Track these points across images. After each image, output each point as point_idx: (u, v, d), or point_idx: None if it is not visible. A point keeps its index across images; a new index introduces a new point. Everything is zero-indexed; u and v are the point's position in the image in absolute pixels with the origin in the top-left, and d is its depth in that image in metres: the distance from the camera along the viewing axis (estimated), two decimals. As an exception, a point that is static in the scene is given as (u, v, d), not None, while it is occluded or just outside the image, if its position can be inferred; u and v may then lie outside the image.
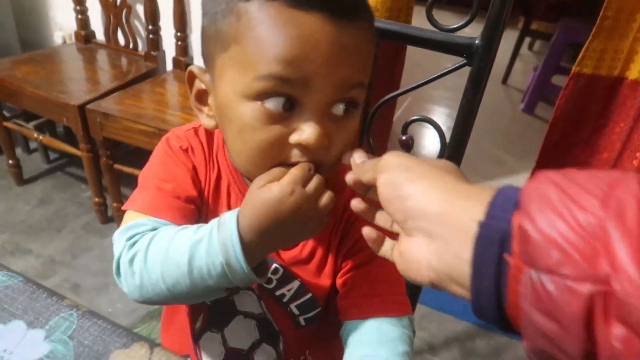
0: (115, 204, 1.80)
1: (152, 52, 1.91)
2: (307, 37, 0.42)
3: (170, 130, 0.62)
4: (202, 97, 0.54)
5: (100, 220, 1.87)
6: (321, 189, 0.47)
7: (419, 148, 2.39)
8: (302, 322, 0.62)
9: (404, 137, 0.89)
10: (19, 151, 2.07)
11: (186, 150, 0.59)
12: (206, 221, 0.51)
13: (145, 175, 0.58)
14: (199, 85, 0.53)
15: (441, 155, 0.86)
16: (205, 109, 0.54)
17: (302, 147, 0.46)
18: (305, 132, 0.45)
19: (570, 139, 1.60)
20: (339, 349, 0.57)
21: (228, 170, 0.58)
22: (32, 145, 2.22)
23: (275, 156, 0.47)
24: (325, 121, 0.46)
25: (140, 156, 2.16)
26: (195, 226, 0.49)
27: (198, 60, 1.92)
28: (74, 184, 2.04)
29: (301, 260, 0.59)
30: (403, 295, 0.58)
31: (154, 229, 0.50)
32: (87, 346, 0.42)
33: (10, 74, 1.75)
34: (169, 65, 1.95)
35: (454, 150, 0.84)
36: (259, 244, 0.45)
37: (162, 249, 0.47)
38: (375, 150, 0.93)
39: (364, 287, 0.57)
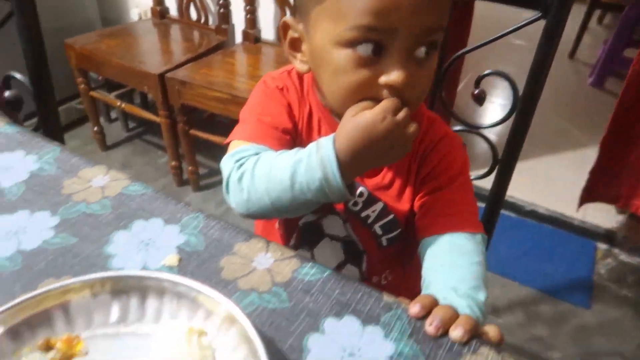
0: (190, 168, 1.92)
1: (222, 26, 2.00)
2: None
3: (264, 75, 0.68)
4: (295, 45, 0.59)
5: (176, 183, 2.00)
6: (409, 119, 0.51)
7: (488, 103, 2.36)
8: (384, 243, 0.67)
9: (476, 91, 0.92)
10: (101, 120, 2.24)
11: (281, 90, 0.65)
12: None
13: (246, 111, 0.65)
14: (292, 34, 0.58)
15: (513, 109, 0.87)
16: (299, 55, 0.59)
17: (390, 87, 0.51)
18: (393, 74, 0.49)
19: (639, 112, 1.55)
20: (416, 272, 0.62)
21: (318, 108, 0.64)
22: (113, 115, 2.39)
23: (365, 95, 0.52)
24: (410, 63, 0.50)
25: (212, 124, 2.28)
26: (293, 150, 0.55)
27: (266, 33, 2.00)
28: (152, 150, 2.20)
29: (383, 185, 0.65)
30: (476, 217, 0.63)
31: (257, 153, 0.57)
32: (214, 239, 0.50)
33: (97, 46, 1.89)
34: (238, 38, 2.04)
35: (526, 104, 0.86)
36: (352, 163, 0.50)
37: (266, 167, 0.54)
38: (447, 103, 0.96)
39: (441, 207, 0.62)
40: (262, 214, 0.56)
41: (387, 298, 0.44)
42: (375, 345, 0.40)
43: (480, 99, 0.93)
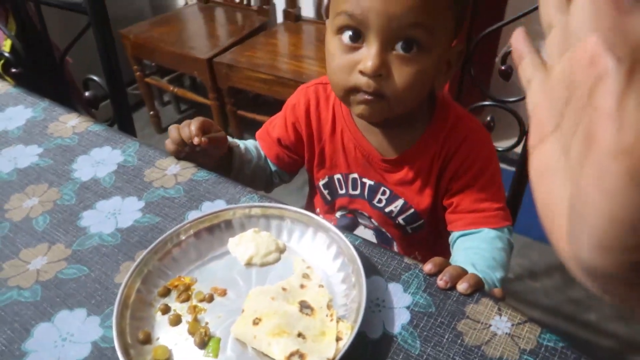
0: (239, 146, 2.06)
1: (264, 6, 2.08)
2: None
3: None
4: None
5: (227, 160, 2.15)
6: None
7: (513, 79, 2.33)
8: (409, 231, 0.76)
9: (503, 67, 0.97)
10: (155, 104, 2.41)
11: (293, 106, 0.76)
12: (322, 155, 0.74)
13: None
14: None
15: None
16: None
17: (363, 73, 0.56)
18: (366, 61, 0.55)
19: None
20: (443, 252, 0.70)
21: (341, 115, 0.72)
22: (165, 99, 2.55)
23: (347, 80, 0.58)
24: (388, 55, 0.55)
25: (257, 103, 2.39)
26: None
27: (306, 11, 2.07)
28: (203, 130, 2.35)
29: (405, 181, 0.71)
30: (502, 209, 0.68)
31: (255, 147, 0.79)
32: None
33: (149, 35, 2.03)
34: (279, 18, 2.12)
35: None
36: None
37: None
38: (478, 82, 1.01)
39: (468, 204, 0.68)
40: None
41: (407, 261, 0.54)
42: (397, 297, 0.50)
43: (506, 75, 0.98)
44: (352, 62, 0.57)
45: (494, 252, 0.64)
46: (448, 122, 0.68)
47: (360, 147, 0.72)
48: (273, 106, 2.22)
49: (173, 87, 2.14)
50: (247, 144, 0.80)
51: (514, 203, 1.03)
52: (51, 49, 0.97)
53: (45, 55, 0.94)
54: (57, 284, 0.54)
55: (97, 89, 0.92)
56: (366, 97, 0.58)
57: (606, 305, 1.52)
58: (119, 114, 0.90)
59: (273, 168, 0.81)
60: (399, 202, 0.73)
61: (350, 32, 0.56)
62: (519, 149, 1.02)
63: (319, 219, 0.55)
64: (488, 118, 1.04)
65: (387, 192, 0.73)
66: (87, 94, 0.92)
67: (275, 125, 0.79)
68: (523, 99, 0.97)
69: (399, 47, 0.55)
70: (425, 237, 0.78)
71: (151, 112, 2.28)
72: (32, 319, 0.51)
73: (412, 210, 0.73)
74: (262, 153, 0.80)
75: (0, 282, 0.55)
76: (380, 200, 0.74)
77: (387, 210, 0.74)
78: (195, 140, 0.64)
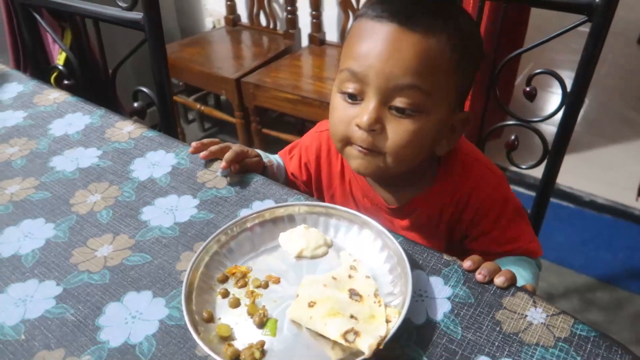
0: (262, 163, 2.12)
1: (290, 30, 2.18)
2: (374, 40, 0.57)
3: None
4: None
5: (249, 176, 2.21)
6: None
7: (540, 102, 2.38)
8: None
9: (527, 89, 1.02)
10: (180, 122, 2.50)
11: (306, 148, 0.82)
12: (333, 201, 0.77)
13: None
14: None
15: (561, 105, 0.97)
16: None
17: (359, 126, 0.59)
18: (362, 114, 0.59)
19: None
20: None
21: (349, 168, 0.73)
22: (190, 117, 2.64)
23: (344, 132, 0.62)
24: (383, 113, 0.59)
25: (280, 123, 2.46)
26: None
27: (330, 36, 2.15)
28: (226, 147, 2.42)
29: (414, 228, 0.73)
30: (529, 243, 0.70)
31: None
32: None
33: (179, 55, 2.13)
34: (305, 42, 2.21)
35: (573, 99, 0.95)
36: None
37: None
38: (501, 104, 1.07)
39: (493, 249, 0.69)
40: None
41: (446, 257, 0.58)
42: (438, 289, 0.54)
43: (531, 96, 1.04)
44: (350, 116, 0.61)
45: (522, 264, 0.68)
46: (455, 172, 0.70)
47: (367, 196, 0.76)
48: (295, 126, 2.29)
49: (200, 105, 2.22)
50: (279, 161, 0.85)
51: (534, 226, 1.06)
52: (105, 63, 1.05)
53: (97, 69, 1.01)
54: (124, 270, 0.59)
55: (144, 99, 0.99)
56: (360, 150, 0.61)
57: (626, 330, 1.53)
58: (166, 123, 0.97)
59: None
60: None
61: (351, 89, 0.60)
62: (540, 171, 1.07)
63: (364, 216, 0.60)
64: (512, 137, 1.08)
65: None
66: (135, 104, 0.99)
67: (292, 157, 0.84)
68: (546, 118, 1.02)
69: (395, 105, 0.58)
70: None
71: (177, 129, 2.36)
72: (103, 298, 0.56)
73: None
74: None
75: (71, 266, 0.60)
76: None
77: None
78: (222, 165, 0.71)
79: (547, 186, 1.08)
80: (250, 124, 2.05)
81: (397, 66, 0.56)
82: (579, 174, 2.06)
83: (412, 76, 0.56)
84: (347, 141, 0.63)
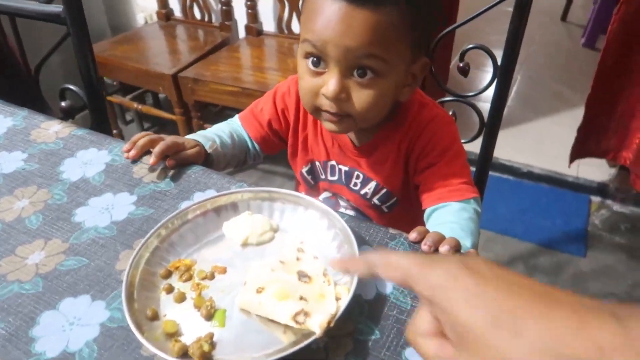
0: (208, 159, 2.07)
1: (225, 22, 2.13)
2: (327, 17, 0.60)
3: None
4: None
5: (196, 174, 2.15)
6: None
7: (476, 81, 2.46)
8: (385, 210, 0.82)
9: (461, 64, 1.05)
10: (118, 123, 2.39)
11: (283, 95, 0.83)
12: (305, 142, 0.79)
13: (253, 102, 0.86)
14: None
15: (493, 78, 1.00)
16: None
17: (325, 95, 0.64)
18: (327, 86, 0.63)
19: (623, 65, 1.65)
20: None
21: None
22: (128, 117, 2.54)
23: (313, 101, 0.66)
24: (347, 81, 0.63)
25: (223, 117, 2.42)
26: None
27: (267, 26, 2.12)
28: (169, 146, 2.35)
29: (377, 164, 0.78)
30: (467, 183, 0.74)
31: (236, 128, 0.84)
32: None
33: (111, 53, 2.03)
34: (242, 33, 2.17)
35: (504, 71, 0.99)
36: None
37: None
38: (437, 80, 1.09)
39: (434, 180, 0.74)
40: None
41: (392, 231, 0.59)
42: (386, 263, 0.55)
43: (464, 72, 1.06)
44: (317, 86, 0.65)
45: (461, 223, 0.70)
46: (411, 111, 0.76)
47: (336, 138, 0.79)
48: (239, 119, 2.25)
49: (137, 105, 2.13)
50: (222, 136, 0.84)
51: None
52: (25, 60, 0.98)
53: (17, 68, 0.94)
54: (58, 275, 0.55)
55: (73, 99, 0.94)
56: (331, 116, 0.66)
57: (568, 289, 1.62)
58: (99, 123, 0.92)
59: (252, 149, 0.86)
60: (372, 184, 0.79)
61: (314, 58, 0.64)
62: (478, 143, 1.10)
63: (308, 197, 0.60)
64: (450, 113, 1.11)
65: (361, 175, 0.80)
66: (63, 104, 0.93)
67: (263, 110, 0.85)
68: (480, 92, 1.05)
69: (355, 73, 0.63)
70: (401, 216, 0.84)
71: (114, 131, 2.26)
72: (36, 308, 0.52)
73: (384, 190, 0.79)
74: (242, 136, 0.86)
75: (-1, 277, 0.56)
76: (355, 184, 0.81)
77: (362, 192, 0.81)
78: (151, 161, 0.70)
79: (485, 159, 1.12)
80: (192, 120, 2.00)
81: (351, 40, 0.60)
82: (516, 147, 2.15)
83: (367, 48, 0.60)
84: (317, 108, 0.67)
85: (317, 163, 0.84)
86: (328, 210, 0.58)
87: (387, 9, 0.59)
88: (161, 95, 2.42)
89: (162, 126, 2.46)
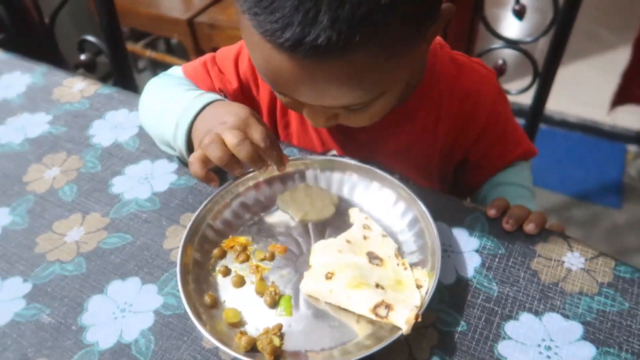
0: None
1: (240, -40, 1.98)
2: (287, 77, 0.41)
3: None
4: None
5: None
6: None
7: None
8: None
9: (517, 7, 0.95)
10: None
11: (249, 65, 0.62)
12: (287, 129, 0.64)
13: (208, 54, 0.66)
14: None
15: (553, 20, 0.91)
16: None
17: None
18: (307, 115, 0.49)
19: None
20: None
21: None
22: (140, 65, 2.43)
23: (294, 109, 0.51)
24: (332, 114, 0.48)
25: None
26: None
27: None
28: (185, 95, 2.26)
29: (400, 146, 0.62)
30: (522, 144, 0.67)
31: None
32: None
33: (121, -4, 1.91)
34: (258, -28, 2.02)
35: (566, 14, 0.89)
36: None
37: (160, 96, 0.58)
38: (489, 25, 0.99)
39: (490, 153, 0.65)
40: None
41: (467, 204, 0.52)
42: (463, 242, 0.49)
43: (520, 14, 0.96)
44: (296, 106, 0.49)
45: (527, 185, 0.66)
46: (444, 75, 0.59)
47: None
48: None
49: (150, 52, 2.03)
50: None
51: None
52: (38, 9, 0.89)
53: (30, 18, 0.86)
54: (102, 255, 0.51)
55: (91, 50, 0.86)
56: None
57: (602, 243, 1.57)
58: (121, 75, 0.84)
59: None
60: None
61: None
62: (530, 94, 1.02)
63: (371, 167, 0.53)
64: (500, 61, 1.02)
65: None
66: (82, 57, 0.85)
67: (227, 72, 0.64)
68: (537, 39, 0.96)
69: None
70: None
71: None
72: (82, 292, 0.48)
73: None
74: None
75: (38, 257, 0.51)
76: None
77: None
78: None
79: (536, 114, 1.04)
80: (209, 68, 1.90)
81: (324, 101, 0.44)
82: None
83: (346, 101, 0.44)
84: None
85: None
86: (394, 182, 0.51)
87: (364, 48, 0.38)
88: (173, 41, 2.30)
89: (176, 74, 2.36)
